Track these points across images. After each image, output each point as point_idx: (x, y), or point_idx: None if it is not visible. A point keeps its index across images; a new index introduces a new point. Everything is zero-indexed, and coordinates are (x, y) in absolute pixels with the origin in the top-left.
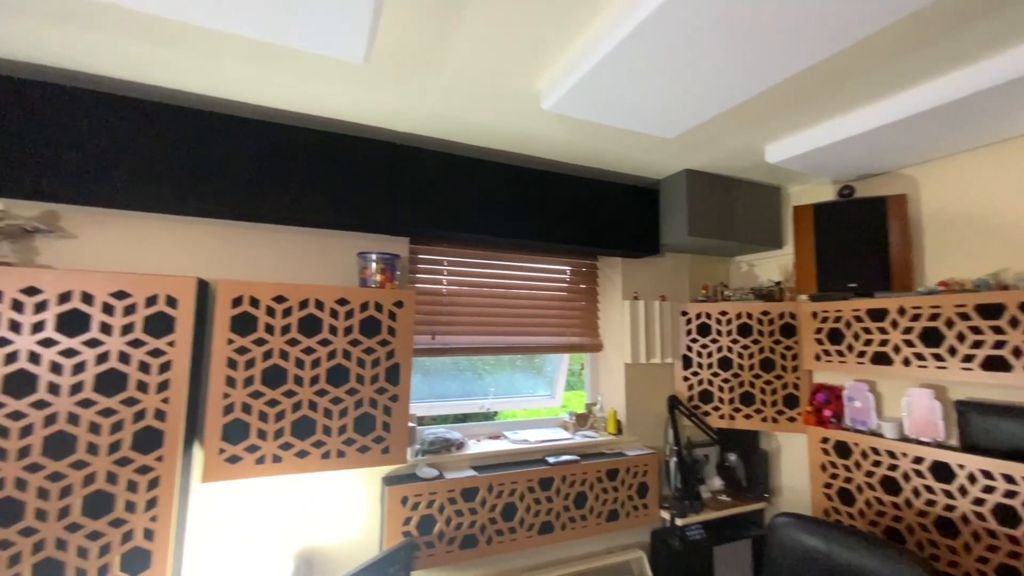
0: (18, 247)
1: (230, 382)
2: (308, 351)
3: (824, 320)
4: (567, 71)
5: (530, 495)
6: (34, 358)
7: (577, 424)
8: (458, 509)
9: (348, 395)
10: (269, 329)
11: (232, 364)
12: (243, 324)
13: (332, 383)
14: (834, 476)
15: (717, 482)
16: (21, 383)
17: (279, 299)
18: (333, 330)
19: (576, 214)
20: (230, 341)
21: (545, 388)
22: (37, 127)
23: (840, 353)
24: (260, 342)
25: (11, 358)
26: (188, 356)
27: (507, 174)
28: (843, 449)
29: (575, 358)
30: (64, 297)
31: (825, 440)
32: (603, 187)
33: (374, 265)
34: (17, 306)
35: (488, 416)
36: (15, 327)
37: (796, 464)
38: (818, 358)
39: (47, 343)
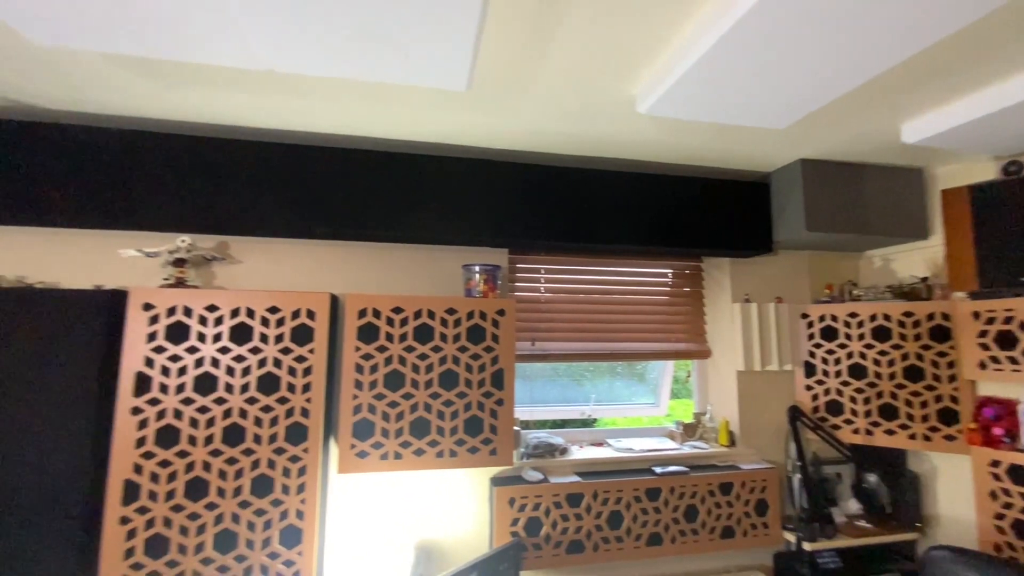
0: (200, 272)
1: (358, 385)
2: (422, 357)
3: (990, 321)
4: (662, 74)
5: (636, 504)
6: (215, 363)
7: (685, 434)
8: (564, 514)
9: (458, 398)
10: (389, 337)
11: (359, 369)
12: (367, 333)
13: (444, 387)
14: (1008, 506)
15: (853, 505)
16: (206, 383)
17: (397, 310)
18: (443, 337)
19: (677, 215)
20: (357, 348)
21: (648, 396)
22: (209, 174)
23: (1013, 360)
24: (382, 349)
25: (199, 363)
26: (325, 361)
27: (603, 180)
28: (1020, 474)
29: (680, 365)
30: (235, 312)
31: (995, 463)
32: (706, 185)
33: (477, 276)
34: (202, 320)
35: (587, 423)
36: (201, 337)
37: (957, 489)
38: (983, 366)
39: (224, 350)
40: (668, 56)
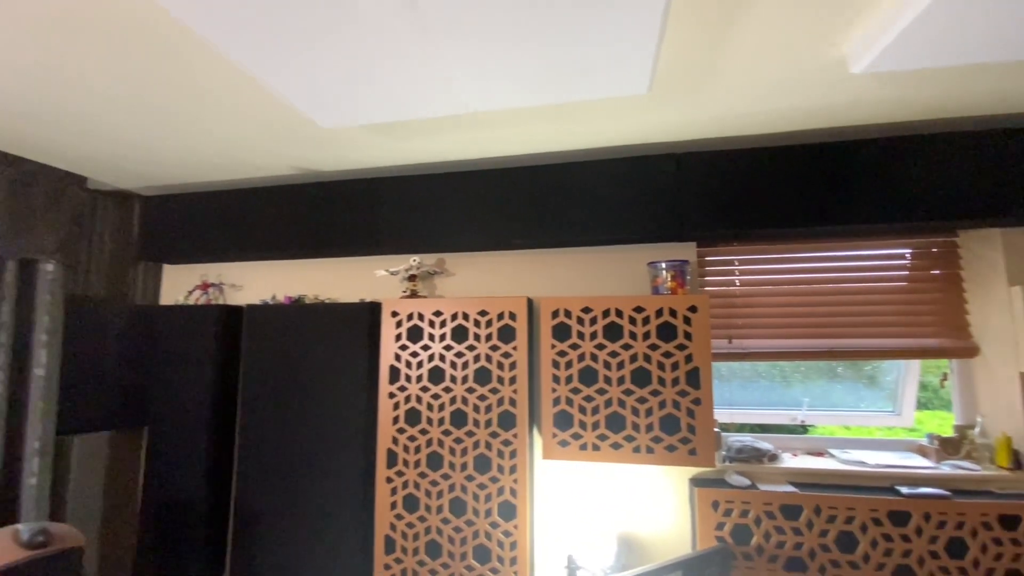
0: (426, 284)
1: (555, 379)
2: (613, 355)
3: None
4: (883, 25)
5: (876, 528)
6: (442, 358)
7: (943, 451)
8: (778, 525)
9: (652, 396)
10: (580, 336)
11: (555, 365)
12: (560, 332)
13: (636, 384)
14: None
15: None
16: (437, 375)
17: (586, 310)
18: (633, 335)
19: (909, 182)
20: (552, 346)
21: (883, 402)
22: (429, 205)
23: None
24: (574, 347)
25: (431, 358)
26: (526, 358)
27: (806, 155)
28: None
29: (928, 365)
30: (454, 316)
31: None
32: (948, 141)
33: (664, 273)
34: (431, 323)
35: (797, 429)
36: (431, 337)
37: None
38: None
39: (448, 348)
40: (887, 4)
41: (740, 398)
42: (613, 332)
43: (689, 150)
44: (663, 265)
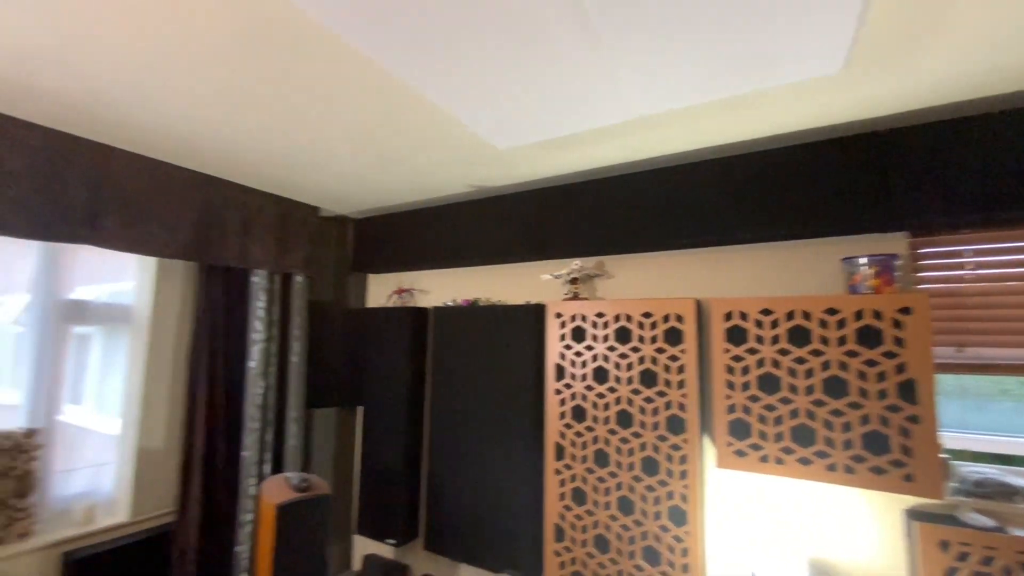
0: (587, 287)
1: (729, 385)
2: (800, 361)
3: None
4: None
5: None
6: (605, 359)
7: None
8: None
9: (850, 408)
10: (759, 339)
11: (730, 370)
12: (735, 335)
13: (829, 394)
14: None
15: None
16: (600, 374)
17: (765, 312)
18: (824, 340)
19: None
20: (726, 350)
21: None
22: (591, 210)
23: None
24: (752, 351)
25: (594, 358)
26: (695, 361)
27: None
28: None
29: None
30: (616, 318)
31: None
32: None
33: (865, 269)
34: (594, 325)
35: None
36: (594, 338)
37: None
38: None
39: (611, 349)
40: None
41: (975, 421)
42: (799, 336)
43: (896, 124)
44: (863, 260)
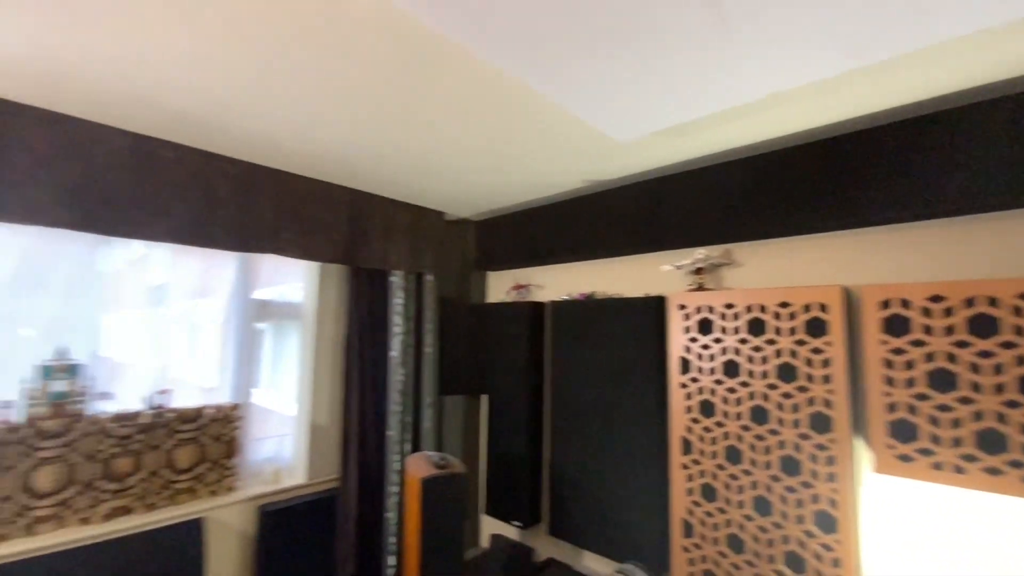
0: (713, 277)
1: (888, 381)
2: (984, 355)
3: None
4: None
5: None
6: (736, 351)
7: None
8: None
9: None
10: (927, 330)
11: (888, 364)
12: (895, 325)
13: None
14: None
15: None
16: (731, 368)
17: (935, 299)
18: (1020, 330)
19: None
20: (883, 342)
21: None
22: (718, 196)
23: None
24: (918, 343)
25: (724, 351)
26: (844, 354)
27: None
28: None
29: None
30: (748, 308)
31: None
32: None
33: None
34: (722, 316)
35: None
36: (723, 330)
37: None
38: None
39: (743, 341)
40: None
41: None
42: (982, 326)
43: None
44: None
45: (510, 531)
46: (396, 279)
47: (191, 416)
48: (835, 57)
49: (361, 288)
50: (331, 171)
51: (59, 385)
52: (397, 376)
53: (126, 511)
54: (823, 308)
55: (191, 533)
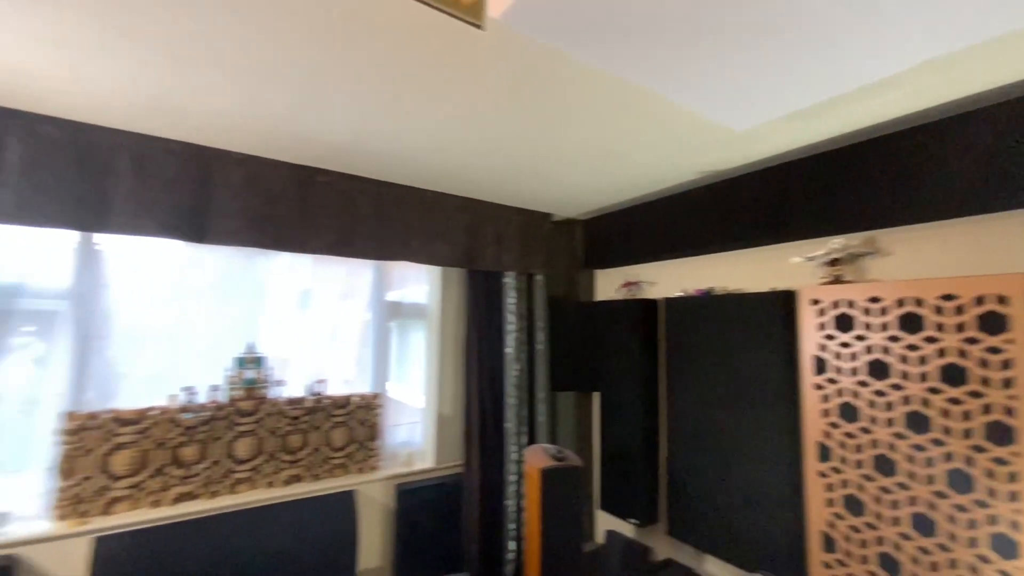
0: (852, 268)
1: None
2: None
3: None
4: None
5: None
6: (885, 351)
7: None
8: None
9: None
10: None
11: None
12: None
13: None
14: None
15: None
16: (879, 369)
17: None
18: None
19: None
20: None
21: None
22: (843, 180)
23: None
24: None
25: (868, 350)
26: None
27: None
28: None
29: None
30: (900, 302)
31: None
32: None
33: None
34: (866, 311)
35: None
36: (868, 327)
37: None
38: None
39: (893, 339)
40: None
41: None
42: None
43: None
44: None
45: (624, 527)
46: (509, 280)
47: (342, 403)
48: (1003, 12)
49: (478, 289)
50: (451, 183)
51: (250, 373)
52: (512, 371)
53: (298, 479)
54: (1001, 300)
55: (346, 502)
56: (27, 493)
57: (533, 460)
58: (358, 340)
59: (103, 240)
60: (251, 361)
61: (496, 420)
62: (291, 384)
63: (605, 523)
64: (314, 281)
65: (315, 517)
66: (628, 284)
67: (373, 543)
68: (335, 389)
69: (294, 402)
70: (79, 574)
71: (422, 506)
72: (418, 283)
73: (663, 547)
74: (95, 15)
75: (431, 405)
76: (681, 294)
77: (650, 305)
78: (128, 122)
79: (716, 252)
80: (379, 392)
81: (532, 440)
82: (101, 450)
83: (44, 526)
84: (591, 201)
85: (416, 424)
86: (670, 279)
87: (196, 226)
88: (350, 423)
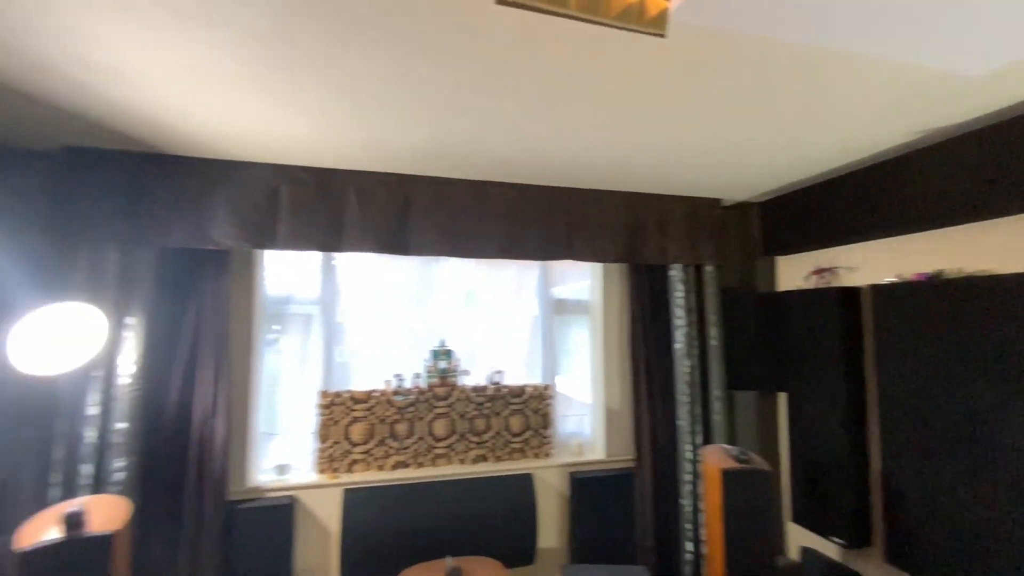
0: None
1: None
2: None
3: None
4: None
5: None
6: None
7: None
8: None
9: None
10: None
11: None
12: None
13: None
14: None
15: None
16: None
17: None
18: None
19: None
20: None
21: None
22: None
23: None
24: None
25: None
26: None
27: None
28: None
29: None
30: None
31: None
32: None
33: None
34: None
35: None
36: None
37: None
38: None
39: None
40: None
41: None
42: None
43: None
44: None
45: (823, 545)
46: (675, 272)
47: (518, 392)
48: None
49: (641, 283)
50: (610, 180)
51: (443, 363)
52: (683, 368)
53: (484, 459)
54: None
55: (525, 484)
56: (300, 451)
57: (712, 460)
58: (528, 335)
59: (338, 257)
60: (443, 353)
61: (668, 417)
62: (475, 374)
63: (799, 537)
64: (487, 281)
65: (499, 493)
66: (820, 271)
67: (550, 525)
68: (511, 379)
69: (478, 389)
70: (336, 514)
71: (595, 496)
72: (582, 279)
73: (877, 574)
74: (333, 88)
75: (598, 398)
76: (895, 280)
77: (851, 294)
78: (352, 162)
79: (937, 228)
80: (549, 384)
81: (708, 440)
82: (344, 422)
83: (311, 477)
84: (766, 183)
85: (584, 416)
86: (877, 262)
87: (401, 241)
88: (525, 411)
